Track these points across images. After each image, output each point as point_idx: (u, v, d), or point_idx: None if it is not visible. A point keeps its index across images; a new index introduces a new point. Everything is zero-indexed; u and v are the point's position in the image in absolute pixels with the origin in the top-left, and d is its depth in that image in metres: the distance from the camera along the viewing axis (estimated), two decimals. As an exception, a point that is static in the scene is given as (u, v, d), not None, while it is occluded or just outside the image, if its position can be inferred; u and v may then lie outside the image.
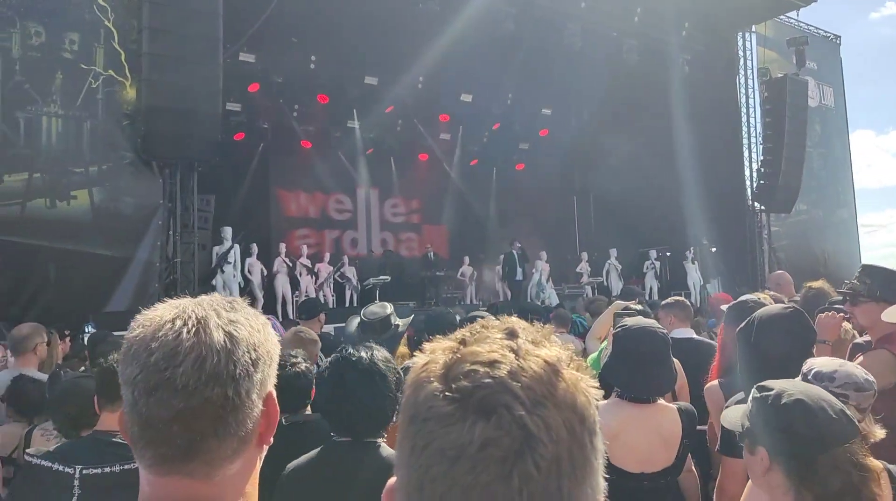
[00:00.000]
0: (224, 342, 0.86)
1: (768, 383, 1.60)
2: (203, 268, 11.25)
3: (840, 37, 21.37)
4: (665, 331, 2.53)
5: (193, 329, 0.86)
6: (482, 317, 3.16)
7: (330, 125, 16.22)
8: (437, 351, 0.64)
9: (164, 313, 0.89)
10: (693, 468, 2.64)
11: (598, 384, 0.65)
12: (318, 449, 1.99)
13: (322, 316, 5.13)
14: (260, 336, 0.91)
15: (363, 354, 2.01)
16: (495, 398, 0.57)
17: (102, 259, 9.45)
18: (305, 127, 15.86)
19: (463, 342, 0.64)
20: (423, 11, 12.75)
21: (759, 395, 1.59)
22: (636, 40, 15.12)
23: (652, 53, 15.36)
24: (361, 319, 3.22)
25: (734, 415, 1.70)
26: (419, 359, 0.66)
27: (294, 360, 2.69)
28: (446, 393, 0.59)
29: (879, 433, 1.74)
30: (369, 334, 3.07)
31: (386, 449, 1.90)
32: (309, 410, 2.66)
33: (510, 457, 0.56)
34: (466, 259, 16.66)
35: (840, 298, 3.95)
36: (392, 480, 0.66)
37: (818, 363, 1.88)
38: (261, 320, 0.95)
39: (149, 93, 9.25)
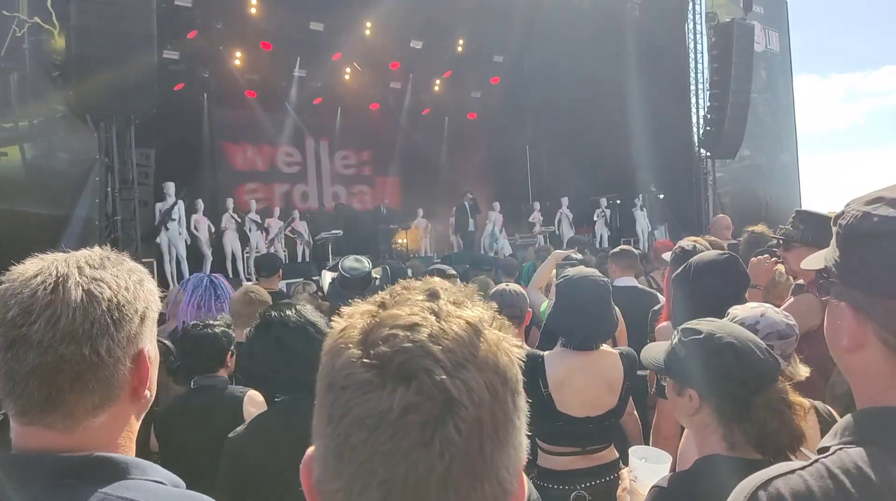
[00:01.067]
0: (81, 299, 0.88)
1: (694, 324, 1.61)
2: (146, 226, 10.91)
3: (786, -19, 21.57)
4: (606, 279, 2.57)
5: (51, 287, 0.88)
6: (442, 270, 3.16)
7: (275, 74, 15.65)
8: (355, 316, 0.62)
9: (28, 268, 0.91)
10: (634, 411, 2.74)
11: (519, 343, 0.64)
12: (259, 414, 1.97)
13: (280, 272, 5.06)
14: (128, 294, 0.93)
15: (288, 312, 1.97)
16: (415, 362, 0.56)
17: (38, 218, 9.03)
18: (249, 76, 15.25)
19: (382, 306, 0.62)
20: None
21: (686, 338, 1.60)
22: (587, -15, 14.94)
23: (602, -1, 15.20)
24: (341, 274, 3.17)
25: (653, 353, 1.71)
26: (337, 324, 0.64)
27: (212, 322, 2.67)
28: (364, 360, 0.57)
29: (804, 371, 1.82)
30: (350, 290, 3.03)
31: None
32: (223, 373, 2.64)
33: (431, 422, 0.55)
34: (420, 211, 16.59)
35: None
36: (310, 450, 0.64)
37: (741, 312, 1.93)
38: (134, 277, 0.95)
39: (78, 41, 8.70)
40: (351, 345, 0.59)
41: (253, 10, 13.84)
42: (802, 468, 0.81)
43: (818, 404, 1.87)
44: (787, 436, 1.45)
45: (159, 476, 0.93)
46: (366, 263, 3.28)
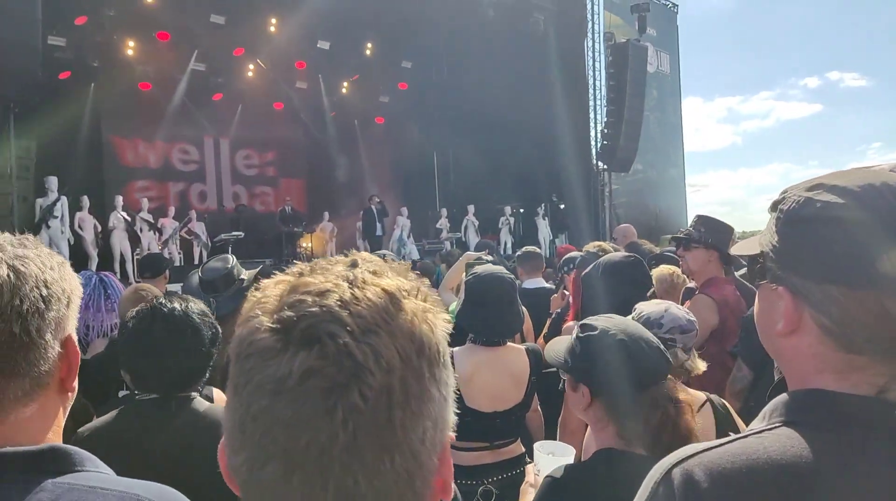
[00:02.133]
0: (7, 276, 0.82)
1: (590, 321, 1.65)
2: (25, 222, 10.09)
3: (678, 5, 23.10)
4: (512, 277, 2.63)
5: None
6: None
7: (171, 67, 14.86)
8: (269, 286, 0.60)
9: None
10: (538, 407, 2.80)
11: (447, 317, 0.63)
12: (118, 410, 1.81)
13: (167, 273, 4.76)
14: (55, 274, 0.88)
15: (176, 305, 1.84)
16: (321, 326, 0.54)
17: None
18: (143, 67, 14.42)
19: (300, 275, 0.60)
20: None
21: (582, 334, 1.63)
22: (493, -4, 15.30)
23: (508, 10, 15.63)
24: (199, 276, 2.94)
25: (556, 349, 1.74)
26: (252, 295, 0.61)
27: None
28: (269, 325, 0.55)
29: (702, 365, 1.94)
30: (209, 292, 2.83)
31: (201, 403, 1.77)
32: None
33: (334, 388, 0.52)
34: (326, 214, 16.32)
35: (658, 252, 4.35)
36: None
37: (647, 308, 2.05)
38: (56, 259, 0.90)
39: (-53, 18, 7.93)
40: (259, 313, 0.57)
41: (149, -1, 13.13)
42: (718, 445, 0.80)
43: (713, 397, 1.99)
44: (669, 433, 1.48)
45: (105, 469, 0.87)
46: (230, 262, 3.07)
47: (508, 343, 2.64)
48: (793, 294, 0.82)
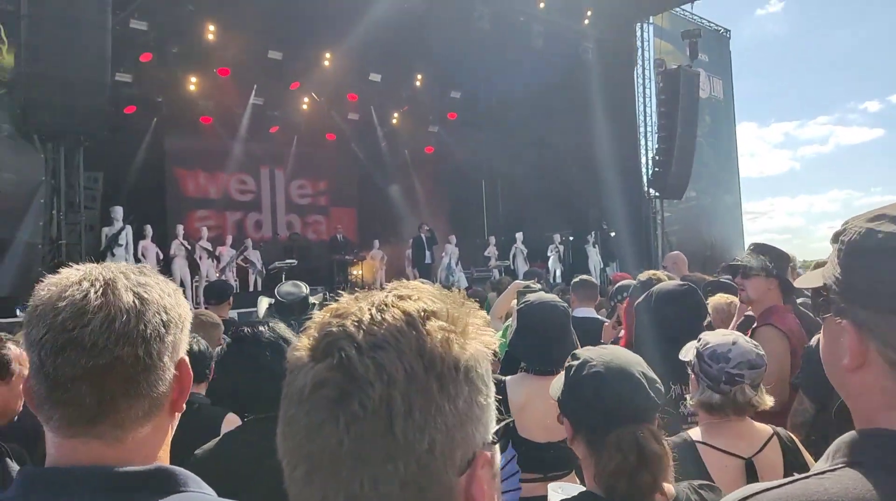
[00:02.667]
0: (133, 302, 0.88)
1: (580, 351, 1.59)
2: (91, 251, 10.54)
3: (730, 31, 22.77)
4: (565, 304, 2.60)
5: (101, 290, 0.87)
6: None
7: (231, 101, 15.48)
8: (322, 312, 0.67)
9: (69, 275, 0.89)
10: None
11: (488, 340, 0.66)
12: (227, 432, 1.91)
13: (230, 300, 4.94)
14: (171, 300, 0.93)
15: (261, 328, 1.94)
16: (335, 343, 0.60)
17: (-23, 240, 8.65)
18: (204, 102, 15.06)
19: (346, 302, 0.67)
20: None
21: (567, 364, 1.57)
22: (542, 26, 15.43)
23: (557, 40, 15.73)
24: (277, 299, 3.08)
25: (558, 382, 1.66)
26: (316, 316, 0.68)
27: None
28: (304, 345, 0.63)
29: (769, 401, 1.86)
30: (286, 315, 2.94)
31: None
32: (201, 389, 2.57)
33: (340, 398, 0.58)
34: (376, 243, 16.53)
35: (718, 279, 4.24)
36: None
37: (713, 340, 1.95)
38: (171, 285, 0.96)
39: (29, 59, 8.48)
40: (303, 336, 0.65)
41: (211, 37, 13.74)
42: (778, 486, 0.78)
43: (780, 430, 1.91)
44: (624, 486, 1.35)
45: (207, 490, 0.91)
46: (303, 288, 3.22)
47: (561, 373, 2.61)
48: (858, 328, 0.79)
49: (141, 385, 0.87)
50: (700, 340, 1.99)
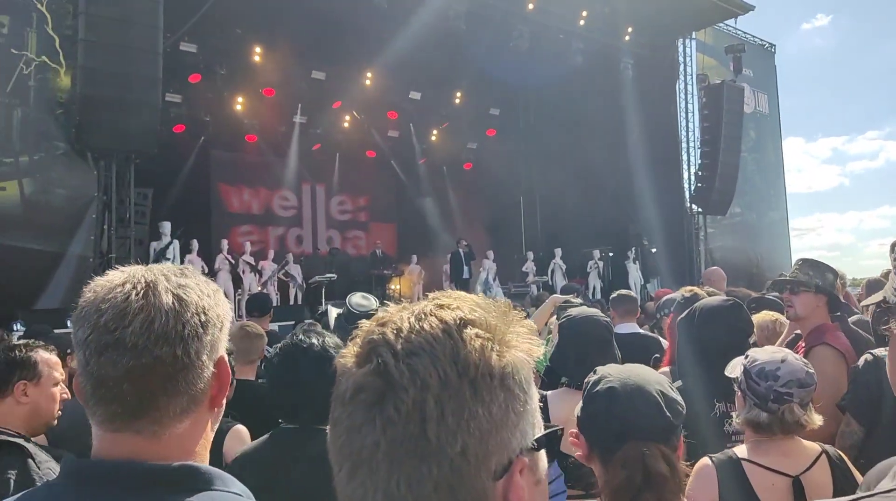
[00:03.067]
0: (173, 304, 0.91)
1: (600, 368, 1.56)
2: (140, 264, 10.85)
3: (775, 45, 22.36)
4: (607, 319, 2.57)
5: (142, 292, 0.90)
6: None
7: (275, 120, 15.89)
8: (374, 320, 0.70)
9: (114, 277, 0.93)
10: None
11: (529, 347, 0.67)
12: (267, 435, 1.96)
13: (271, 313, 5.06)
14: (210, 301, 0.96)
15: (314, 340, 1.97)
16: (375, 350, 0.63)
17: (33, 254, 9.02)
18: (249, 121, 15.48)
19: (397, 310, 0.70)
20: (374, 7, 12.66)
21: (586, 380, 1.55)
22: (582, 43, 15.42)
23: (597, 56, 15.68)
24: (348, 309, 3.15)
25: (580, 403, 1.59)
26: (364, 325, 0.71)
27: None
28: (351, 352, 0.67)
29: (818, 420, 1.81)
30: (355, 325, 3.00)
31: None
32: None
33: (373, 401, 0.61)
34: (414, 258, 16.62)
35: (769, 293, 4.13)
36: None
37: (762, 357, 1.90)
38: (212, 286, 0.99)
39: (84, 81, 8.86)
40: (351, 344, 0.69)
41: (257, 58, 14.17)
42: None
43: (829, 448, 1.85)
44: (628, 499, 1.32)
45: (237, 489, 0.94)
46: (373, 301, 3.29)
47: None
48: None
49: (179, 383, 0.90)
50: (748, 357, 1.94)
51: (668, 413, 1.40)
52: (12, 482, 1.83)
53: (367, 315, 2.72)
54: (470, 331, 0.64)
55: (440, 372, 0.61)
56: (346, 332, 2.37)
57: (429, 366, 0.61)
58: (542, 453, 0.68)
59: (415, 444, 0.60)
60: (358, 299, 3.23)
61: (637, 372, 1.51)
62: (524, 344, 0.67)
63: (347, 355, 0.67)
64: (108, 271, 0.95)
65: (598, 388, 1.47)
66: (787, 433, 1.83)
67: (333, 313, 3.26)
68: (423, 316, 0.65)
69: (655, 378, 1.50)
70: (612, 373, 1.49)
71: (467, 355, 0.62)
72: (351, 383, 0.63)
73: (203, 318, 0.93)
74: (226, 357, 0.98)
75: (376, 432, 0.60)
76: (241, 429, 2.47)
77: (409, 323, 0.65)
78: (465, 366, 0.62)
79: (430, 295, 0.72)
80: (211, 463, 1.91)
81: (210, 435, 0.99)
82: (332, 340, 2.02)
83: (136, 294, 0.90)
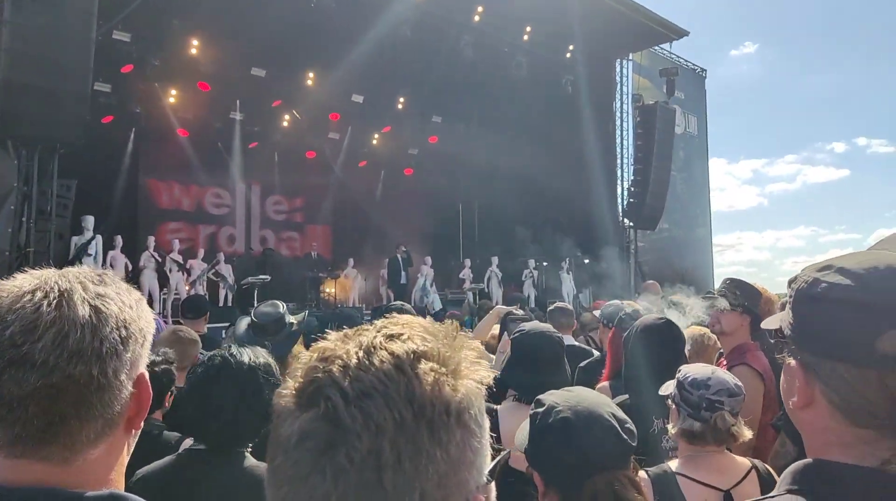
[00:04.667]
0: (90, 316, 0.82)
1: (543, 396, 1.49)
2: (60, 259, 10.29)
3: (706, 70, 23.45)
4: (560, 335, 2.62)
5: (55, 302, 0.81)
6: (398, 310, 3.05)
7: (210, 115, 15.41)
8: (311, 351, 0.65)
9: (23, 283, 0.83)
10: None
11: (481, 376, 0.65)
12: (174, 456, 1.86)
13: (207, 315, 4.86)
14: (132, 313, 0.87)
15: (244, 358, 1.86)
16: (321, 391, 0.58)
17: (-60, 245, 8.41)
18: (183, 115, 14.96)
19: (337, 340, 0.65)
20: (319, 6, 12.50)
21: (531, 411, 1.47)
22: (525, 57, 15.72)
23: (540, 71, 16.02)
24: (252, 319, 3.04)
25: (522, 434, 1.52)
26: (298, 358, 0.66)
27: (153, 357, 2.51)
28: (290, 391, 0.61)
29: (747, 433, 1.91)
30: (261, 336, 2.90)
31: (250, 460, 1.78)
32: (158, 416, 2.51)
33: (323, 449, 0.56)
34: (351, 261, 16.48)
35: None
36: None
37: (693, 370, 2.03)
38: (134, 295, 0.90)
39: (9, 65, 8.31)
40: (289, 378, 0.63)
41: (194, 51, 13.71)
42: None
43: (758, 463, 1.96)
44: None
45: None
46: (281, 307, 3.16)
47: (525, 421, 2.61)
48: (805, 370, 0.86)
49: (94, 406, 0.81)
50: (680, 371, 2.04)
51: (625, 437, 1.39)
52: None
53: (273, 323, 2.64)
54: (424, 366, 0.60)
55: (395, 415, 0.57)
56: (253, 344, 2.26)
57: (383, 408, 0.57)
58: (493, 483, 0.66)
59: (370, 495, 0.55)
60: (263, 308, 3.09)
61: (584, 397, 1.48)
62: (476, 373, 0.64)
63: (286, 393, 0.61)
64: (15, 275, 0.85)
65: (550, 420, 1.40)
66: (719, 442, 1.92)
67: (244, 323, 3.12)
68: (371, 350, 0.61)
69: (603, 401, 1.50)
70: (560, 402, 1.44)
71: (423, 393, 0.58)
72: (296, 428, 0.57)
73: (124, 333, 0.84)
74: (146, 375, 0.89)
75: (326, 483, 0.55)
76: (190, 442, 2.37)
77: (358, 358, 0.60)
78: (421, 406, 0.58)
79: (378, 323, 0.67)
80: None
81: (125, 460, 0.90)
82: (264, 360, 1.91)
83: (49, 305, 0.80)
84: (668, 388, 2.07)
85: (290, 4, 12.46)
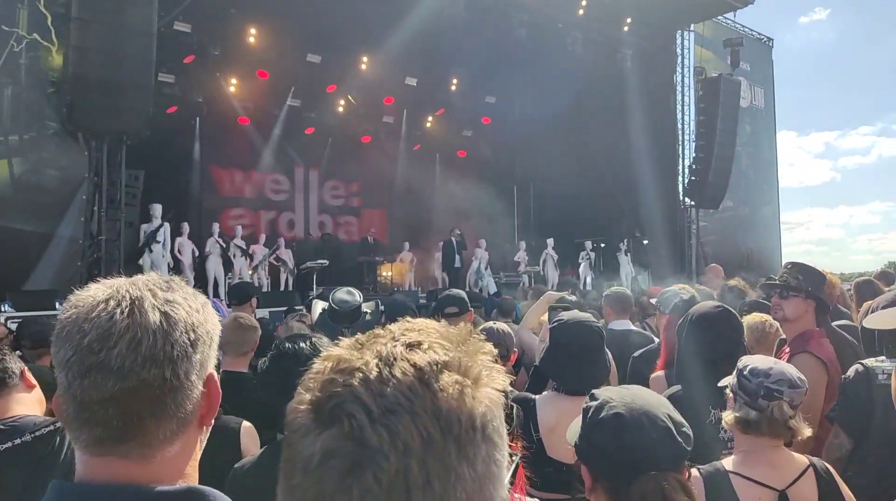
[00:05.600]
0: (160, 322, 0.87)
1: (598, 391, 1.47)
2: (130, 246, 10.80)
3: (773, 39, 22.30)
4: (599, 324, 2.56)
5: (127, 310, 0.86)
6: (455, 296, 3.03)
7: (269, 102, 15.74)
8: (322, 360, 0.62)
9: (97, 293, 0.88)
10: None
11: (500, 384, 0.63)
12: (267, 448, 1.95)
13: (254, 301, 4.96)
14: (199, 316, 0.92)
15: (303, 345, 1.94)
16: (343, 407, 0.56)
17: (22, 235, 8.96)
18: (243, 103, 15.33)
19: (352, 348, 0.62)
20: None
21: (584, 403, 1.45)
22: (581, 33, 15.35)
23: (596, 47, 15.62)
24: (331, 306, 3.13)
25: (575, 427, 1.49)
26: (314, 365, 0.63)
27: None
28: (307, 405, 0.58)
29: (807, 431, 1.82)
30: (340, 322, 2.99)
31: None
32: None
33: (352, 469, 0.54)
34: (406, 245, 16.60)
35: (754, 298, 4.16)
36: None
37: (754, 360, 1.94)
38: (200, 299, 0.94)
39: (77, 60, 8.73)
40: (303, 390, 0.60)
41: (252, 40, 14.00)
42: None
43: (816, 461, 1.87)
44: None
45: None
46: (357, 296, 3.26)
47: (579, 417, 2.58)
48: None
49: (168, 406, 0.86)
50: (741, 361, 1.97)
51: (680, 440, 1.34)
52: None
53: (350, 311, 2.72)
54: (447, 378, 0.58)
55: (422, 432, 0.55)
56: (330, 329, 2.39)
57: (409, 426, 0.55)
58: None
59: None
60: (341, 295, 3.19)
61: (639, 395, 1.45)
62: (495, 380, 0.62)
63: (302, 408, 0.58)
64: (89, 285, 0.90)
65: (602, 415, 1.37)
66: (774, 434, 1.83)
67: (318, 307, 3.23)
68: (391, 361, 0.58)
69: (660, 401, 1.46)
70: (615, 397, 1.41)
71: (449, 408, 0.57)
72: (318, 447, 0.55)
73: (192, 336, 0.89)
74: (215, 374, 0.94)
75: None
76: (250, 427, 2.45)
77: (379, 370, 0.58)
78: (447, 422, 0.56)
79: (393, 328, 0.65)
80: (225, 463, 1.88)
81: (198, 454, 0.96)
82: (323, 342, 1.99)
83: (121, 313, 0.85)
84: (727, 380, 1.99)
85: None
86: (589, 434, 1.39)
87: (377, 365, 0.58)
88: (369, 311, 3.29)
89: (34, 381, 2.08)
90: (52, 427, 1.87)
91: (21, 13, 9.15)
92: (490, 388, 0.61)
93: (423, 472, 0.54)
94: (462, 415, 0.57)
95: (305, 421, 0.58)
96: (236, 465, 1.88)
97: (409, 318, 0.69)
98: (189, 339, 0.88)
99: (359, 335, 0.65)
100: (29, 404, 2.03)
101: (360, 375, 0.58)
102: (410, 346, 0.61)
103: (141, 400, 0.84)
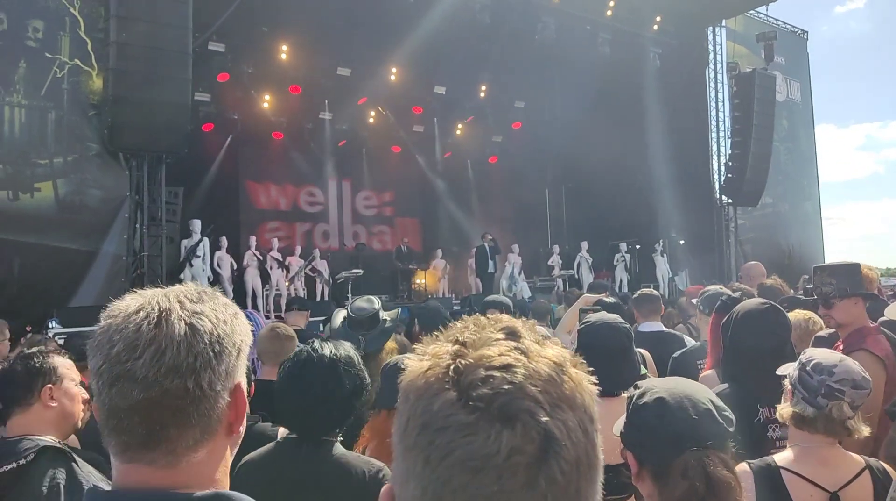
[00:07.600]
0: (185, 333, 0.89)
1: (641, 382, 1.53)
2: (171, 262, 11.05)
3: (807, 32, 21.79)
4: (627, 325, 2.53)
5: (154, 321, 0.88)
6: (499, 302, 3.12)
7: (301, 116, 16.00)
8: (439, 355, 0.62)
9: (130, 303, 0.92)
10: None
11: (596, 381, 0.64)
12: (273, 444, 2.00)
13: (308, 313, 5.44)
14: (227, 327, 0.93)
15: (326, 351, 1.97)
16: (516, 404, 0.57)
17: (67, 253, 9.23)
18: (276, 118, 15.62)
19: (464, 345, 0.62)
20: (398, 2, 12.65)
21: (628, 395, 1.50)
22: (609, 33, 15.24)
23: (625, 47, 15.48)
24: (349, 314, 3.16)
25: (620, 420, 1.53)
26: (415, 364, 0.63)
27: None
28: (467, 402, 0.58)
29: (865, 430, 1.75)
30: (357, 330, 3.02)
31: (339, 449, 1.91)
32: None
33: (536, 463, 0.56)
34: (439, 252, 16.64)
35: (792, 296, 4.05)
36: (387, 488, 0.64)
37: (819, 354, 1.88)
38: (231, 310, 0.96)
39: (116, 83, 9.01)
40: (447, 386, 0.59)
41: (283, 56, 14.27)
42: None
43: (873, 461, 1.81)
44: None
45: None
46: (375, 303, 3.26)
47: (623, 394, 2.55)
48: None
49: (191, 415, 0.88)
50: (805, 353, 1.91)
51: (721, 421, 1.38)
52: (62, 487, 1.85)
53: (367, 318, 2.77)
54: (575, 373, 0.62)
55: (581, 424, 0.59)
56: (347, 338, 2.44)
57: (573, 419, 0.58)
58: None
59: None
60: (360, 303, 3.23)
61: (681, 383, 1.48)
62: (583, 367, 0.65)
63: (455, 404, 0.58)
64: (125, 296, 0.94)
65: (644, 400, 1.42)
66: (830, 433, 1.78)
67: (340, 316, 3.26)
68: (534, 356, 0.61)
69: (701, 389, 1.48)
70: (657, 385, 1.46)
71: (582, 399, 0.60)
72: (503, 445, 0.56)
73: (217, 347, 0.90)
74: (243, 384, 0.96)
75: (536, 496, 0.56)
76: (286, 434, 2.51)
77: (531, 367, 0.59)
78: (590, 415, 0.60)
79: (475, 322, 0.65)
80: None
81: (229, 460, 0.97)
82: (345, 352, 2.01)
83: (148, 324, 0.88)
84: (788, 368, 1.93)
85: (370, 1, 12.68)
86: (633, 419, 1.43)
87: (522, 362, 0.60)
88: (389, 318, 3.30)
89: (54, 401, 2.07)
90: (14, 465, 1.83)
91: (63, 40, 9.49)
92: (592, 382, 0.64)
93: (587, 461, 0.59)
94: (587, 404, 0.61)
95: (469, 420, 0.57)
96: (244, 457, 1.93)
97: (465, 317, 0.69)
98: (213, 351, 0.90)
99: (456, 332, 0.65)
100: (38, 425, 2.01)
101: (520, 371, 0.59)
102: (539, 342, 0.63)
103: (164, 409, 0.87)
